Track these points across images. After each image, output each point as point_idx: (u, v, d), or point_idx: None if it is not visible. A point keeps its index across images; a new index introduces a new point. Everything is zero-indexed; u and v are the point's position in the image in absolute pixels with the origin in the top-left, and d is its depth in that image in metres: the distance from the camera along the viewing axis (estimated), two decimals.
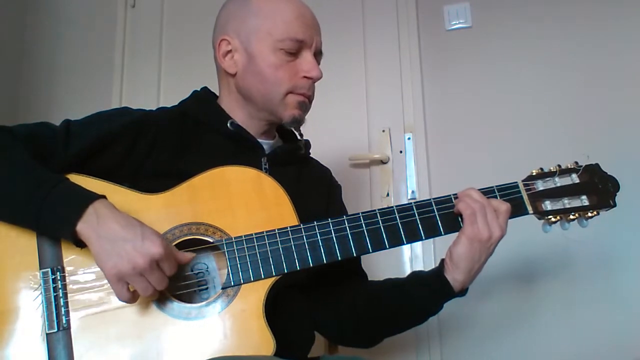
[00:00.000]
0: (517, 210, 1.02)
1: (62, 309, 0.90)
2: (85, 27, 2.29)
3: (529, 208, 1.03)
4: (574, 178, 1.05)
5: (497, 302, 1.73)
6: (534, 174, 1.06)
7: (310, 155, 1.26)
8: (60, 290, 0.91)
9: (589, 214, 1.04)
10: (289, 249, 0.97)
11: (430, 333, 1.76)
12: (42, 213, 0.87)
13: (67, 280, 0.92)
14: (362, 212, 1.00)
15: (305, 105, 1.11)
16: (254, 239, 0.96)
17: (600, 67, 1.79)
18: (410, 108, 1.91)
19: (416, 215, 1.00)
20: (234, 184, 1.00)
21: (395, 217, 1.00)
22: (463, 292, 1.04)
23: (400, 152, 1.89)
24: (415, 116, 1.90)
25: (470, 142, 1.86)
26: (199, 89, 1.19)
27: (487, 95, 1.88)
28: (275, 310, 0.98)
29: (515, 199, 1.03)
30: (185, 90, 1.18)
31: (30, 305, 0.91)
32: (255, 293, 0.94)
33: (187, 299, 0.95)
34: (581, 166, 1.05)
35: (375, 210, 1.00)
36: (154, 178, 1.02)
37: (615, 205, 1.04)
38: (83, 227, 0.86)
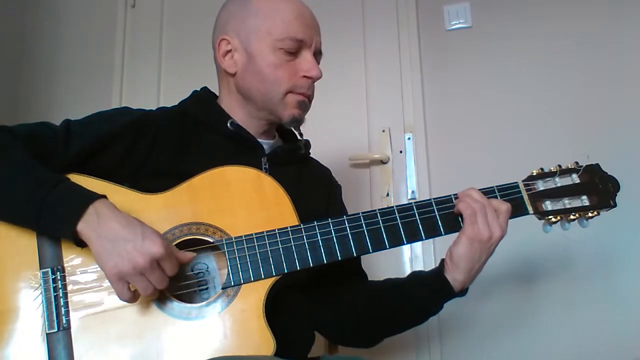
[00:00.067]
0: (518, 210, 1.02)
1: (62, 309, 0.90)
2: (85, 27, 2.29)
3: (530, 208, 1.03)
4: (575, 178, 1.05)
5: (497, 302, 1.73)
6: (535, 174, 1.06)
7: (310, 155, 1.26)
8: (61, 290, 0.91)
9: (590, 214, 1.04)
10: (289, 249, 0.97)
11: (430, 333, 1.76)
12: (43, 213, 0.87)
13: (67, 280, 0.92)
14: (363, 212, 1.00)
15: (304, 104, 1.11)
16: (254, 239, 0.96)
17: (600, 67, 1.79)
18: (410, 108, 1.91)
19: (416, 215, 1.00)
20: (234, 183, 1.00)
21: (396, 217, 1.00)
22: (463, 292, 1.04)
23: (400, 152, 1.89)
24: (415, 116, 1.90)
25: (470, 142, 1.86)
26: (199, 89, 1.19)
27: (487, 95, 1.88)
28: (276, 310, 0.98)
29: (515, 199, 1.03)
30: (185, 90, 1.18)
31: (30, 305, 0.91)
32: (256, 293, 0.94)
33: (187, 299, 0.95)
34: (581, 166, 1.05)
35: (375, 210, 1.00)
36: (154, 178, 1.02)
37: (615, 206, 1.04)
38: (83, 227, 0.86)
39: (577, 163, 1.06)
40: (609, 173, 1.05)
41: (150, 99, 2.12)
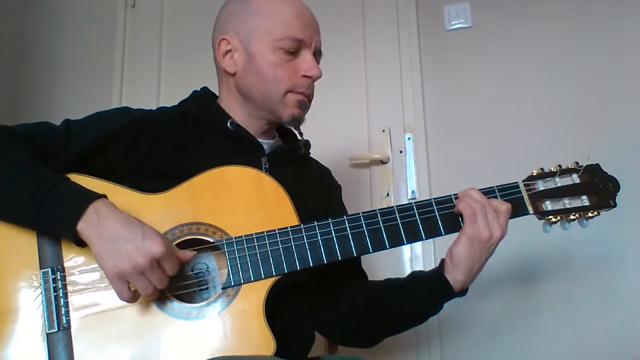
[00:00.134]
0: (518, 210, 1.02)
1: (63, 309, 0.90)
2: (85, 27, 2.29)
3: (530, 208, 1.03)
4: (575, 178, 1.05)
5: (497, 302, 1.73)
6: (535, 174, 1.06)
7: (310, 155, 1.26)
8: (61, 290, 0.91)
9: (590, 214, 1.04)
10: (289, 249, 0.97)
11: (430, 333, 1.76)
12: (43, 213, 0.87)
13: (68, 280, 0.92)
14: (363, 212, 1.00)
15: (304, 104, 1.11)
16: (254, 238, 0.96)
17: (600, 67, 1.79)
18: (410, 108, 1.91)
19: (416, 215, 1.00)
20: (234, 183, 1.00)
21: (396, 217, 1.00)
22: (463, 292, 1.04)
23: (400, 152, 1.89)
24: (415, 116, 1.90)
25: (470, 142, 1.86)
26: (198, 89, 1.19)
27: (487, 95, 1.88)
28: (276, 310, 0.98)
29: (515, 199, 1.03)
30: (185, 90, 1.18)
31: (30, 305, 0.91)
32: (256, 293, 0.94)
33: (188, 299, 0.95)
34: (582, 166, 1.05)
35: (375, 210, 1.00)
36: (154, 178, 1.02)
37: (615, 206, 1.04)
38: (84, 227, 0.86)
39: (577, 163, 1.06)
40: (609, 173, 1.05)
41: (150, 99, 2.12)
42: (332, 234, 0.98)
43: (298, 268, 0.96)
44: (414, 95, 1.92)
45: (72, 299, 0.91)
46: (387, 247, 0.99)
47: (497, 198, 1.02)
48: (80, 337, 0.89)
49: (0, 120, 1.04)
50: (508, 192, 1.03)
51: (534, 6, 1.89)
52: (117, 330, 0.90)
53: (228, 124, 1.09)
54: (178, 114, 1.11)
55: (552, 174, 1.05)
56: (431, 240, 1.71)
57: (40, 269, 0.92)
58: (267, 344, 0.90)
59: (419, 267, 1.79)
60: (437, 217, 1.01)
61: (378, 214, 1.00)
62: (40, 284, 0.91)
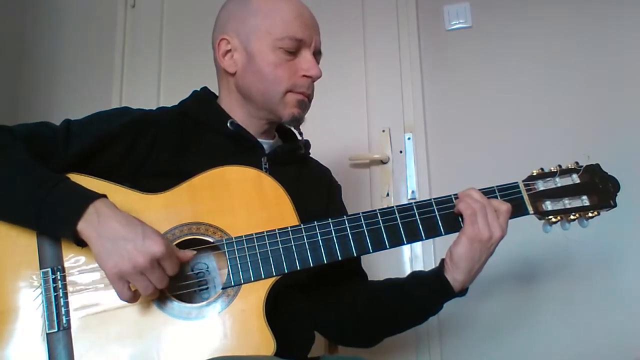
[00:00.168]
0: (518, 210, 1.02)
1: (63, 309, 0.90)
2: (85, 27, 2.29)
3: (530, 208, 1.03)
4: (575, 178, 1.05)
5: (497, 302, 1.73)
6: (535, 174, 1.06)
7: (310, 155, 1.26)
8: (61, 290, 0.91)
9: (590, 214, 1.04)
10: (290, 249, 0.97)
11: (430, 333, 1.76)
12: (43, 212, 0.87)
13: (68, 280, 0.92)
14: (363, 212, 1.00)
15: (304, 104, 1.11)
16: (254, 238, 0.96)
17: (600, 67, 1.79)
18: (410, 108, 1.91)
19: (417, 215, 1.00)
20: (234, 183, 1.00)
21: (396, 217, 1.00)
22: (463, 292, 1.04)
23: (400, 152, 1.89)
24: (415, 116, 1.90)
25: (470, 142, 1.86)
26: (198, 89, 1.19)
27: (487, 95, 1.88)
28: (276, 310, 0.98)
29: (515, 199, 1.03)
30: (185, 90, 1.18)
31: (30, 305, 0.91)
32: (256, 293, 0.94)
33: (188, 299, 0.95)
34: (582, 166, 1.05)
35: (375, 210, 1.00)
36: (154, 178, 1.02)
37: (615, 206, 1.04)
38: (84, 227, 0.86)
39: (577, 163, 1.06)
40: (609, 173, 1.05)
41: (150, 99, 2.12)
42: (332, 234, 0.98)
43: (298, 268, 0.96)
44: (414, 95, 1.92)
45: (72, 299, 0.91)
46: (387, 247, 0.99)
47: (497, 198, 1.02)
48: (80, 337, 0.89)
49: (0, 120, 1.04)
50: (508, 192, 1.03)
51: (534, 6, 1.89)
52: (117, 330, 0.90)
53: (228, 124, 1.09)
54: (178, 114, 1.11)
55: (552, 174, 1.05)
56: (431, 240, 1.71)
57: (40, 269, 0.92)
58: (267, 344, 0.90)
59: (419, 267, 1.79)
60: (437, 217, 1.01)
61: (378, 214, 1.00)
62: (40, 284, 0.91)
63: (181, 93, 1.18)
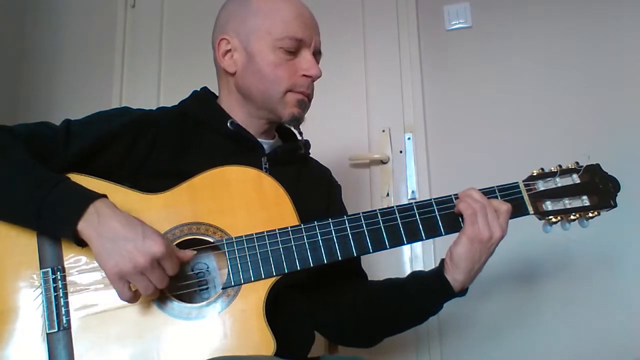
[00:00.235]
0: (518, 210, 1.02)
1: (63, 309, 0.90)
2: (85, 27, 2.29)
3: (530, 208, 1.03)
4: (575, 178, 1.05)
5: (497, 302, 1.73)
6: (535, 174, 1.06)
7: (310, 156, 1.26)
8: (61, 290, 0.91)
9: (590, 214, 1.04)
10: (290, 248, 0.97)
11: (430, 333, 1.76)
12: (43, 212, 0.87)
13: (68, 280, 0.92)
14: (363, 212, 1.00)
15: (304, 103, 1.11)
16: (255, 238, 0.96)
17: (600, 67, 1.79)
18: (410, 108, 1.91)
19: (417, 215, 1.00)
20: (234, 183, 1.00)
21: (396, 217, 1.00)
22: (463, 292, 1.04)
23: (400, 152, 1.89)
24: (415, 116, 1.90)
25: (470, 142, 1.86)
26: (198, 89, 1.19)
27: (487, 95, 1.88)
28: (276, 310, 0.98)
29: (516, 199, 1.03)
30: (185, 90, 1.18)
31: (30, 305, 0.90)
32: (256, 293, 0.94)
33: (188, 299, 0.95)
34: (582, 166, 1.05)
35: (375, 210, 1.00)
36: (154, 178, 1.02)
37: (615, 206, 1.04)
38: (84, 227, 0.86)
39: (577, 163, 1.06)
40: (609, 173, 1.05)
41: (150, 99, 2.12)
42: (332, 234, 0.98)
43: (298, 268, 0.96)
44: (414, 95, 1.92)
45: (72, 298, 0.91)
46: (387, 247, 0.99)
47: (497, 198, 1.02)
48: (80, 337, 0.89)
49: (0, 120, 1.04)
50: (508, 192, 1.03)
51: (534, 6, 1.89)
52: (118, 330, 0.90)
53: (228, 124, 1.09)
54: (178, 114, 1.11)
55: (552, 174, 1.05)
56: (431, 240, 1.70)
57: (41, 269, 0.92)
58: (267, 344, 0.90)
59: (419, 267, 1.79)
60: (437, 217, 1.01)
61: (378, 214, 1.00)
62: (41, 284, 0.91)
63: (181, 93, 1.18)
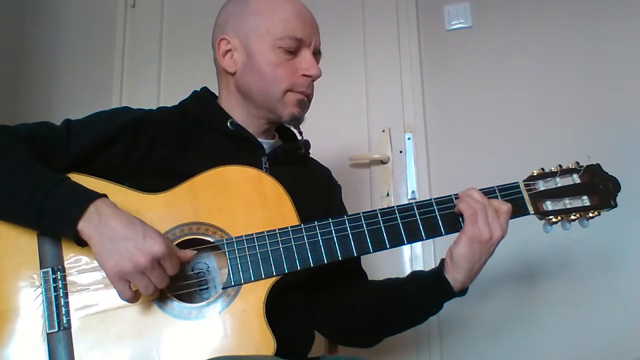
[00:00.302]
0: (518, 210, 1.02)
1: (63, 309, 0.90)
2: (85, 27, 2.29)
3: (530, 208, 1.03)
4: (575, 178, 1.05)
5: (497, 302, 1.73)
6: (535, 174, 1.06)
7: (310, 156, 1.26)
8: (61, 290, 0.91)
9: (590, 214, 1.04)
10: (290, 248, 0.97)
11: (430, 333, 1.76)
12: (43, 212, 0.87)
13: (68, 280, 0.92)
14: (363, 212, 1.00)
15: (304, 103, 1.11)
16: (255, 238, 0.96)
17: (601, 67, 1.79)
18: (410, 108, 1.91)
19: (417, 215, 1.00)
20: (235, 183, 1.00)
21: (396, 217, 1.00)
22: (463, 292, 1.04)
23: (400, 152, 1.89)
24: (415, 116, 1.90)
25: (470, 142, 1.86)
26: (199, 89, 1.19)
27: (487, 95, 1.88)
28: (276, 310, 0.97)
29: (516, 199, 1.03)
30: (185, 90, 1.18)
31: (30, 305, 0.90)
32: (256, 293, 0.94)
33: (188, 298, 0.95)
34: (582, 166, 1.05)
35: (376, 210, 1.00)
36: (155, 178, 1.02)
37: (616, 206, 1.04)
38: (84, 226, 0.86)
39: (577, 163, 1.06)
40: (609, 173, 1.05)
41: (150, 99, 2.12)
42: (332, 234, 0.98)
43: (298, 268, 0.96)
44: (414, 95, 1.92)
45: (72, 298, 0.91)
46: (388, 247, 0.99)
47: (497, 198, 1.02)
48: (80, 337, 0.89)
49: (0, 120, 1.04)
50: (508, 192, 1.03)
51: (534, 6, 1.89)
52: (118, 330, 0.90)
53: (228, 124, 1.09)
54: (178, 114, 1.11)
55: (552, 174, 1.05)
56: (431, 240, 1.70)
57: (41, 269, 0.92)
58: (267, 344, 0.90)
59: (419, 267, 1.79)
60: (437, 217, 1.01)
61: (378, 214, 1.00)
62: (41, 284, 0.91)
63: (181, 93, 1.18)
